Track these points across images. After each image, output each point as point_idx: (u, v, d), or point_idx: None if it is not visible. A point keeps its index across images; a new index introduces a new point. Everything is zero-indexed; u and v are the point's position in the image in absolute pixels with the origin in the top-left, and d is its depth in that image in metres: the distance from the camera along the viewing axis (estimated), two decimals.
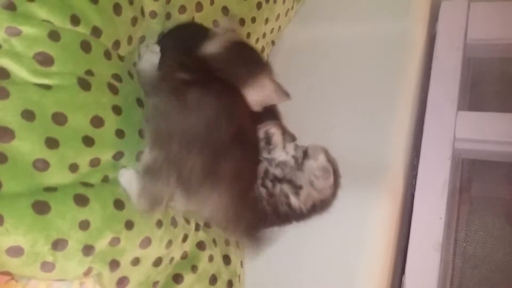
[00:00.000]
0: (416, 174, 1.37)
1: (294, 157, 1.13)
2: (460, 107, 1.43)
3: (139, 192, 0.94)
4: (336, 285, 1.24)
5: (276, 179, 1.11)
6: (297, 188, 1.10)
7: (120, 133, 0.98)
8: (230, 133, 0.92)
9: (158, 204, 0.93)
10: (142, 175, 0.94)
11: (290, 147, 1.15)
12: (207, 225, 1.23)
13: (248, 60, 1.11)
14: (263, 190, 1.10)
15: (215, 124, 0.90)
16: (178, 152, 0.88)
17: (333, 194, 1.14)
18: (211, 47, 1.09)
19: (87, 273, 0.89)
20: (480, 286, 1.32)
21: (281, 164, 1.12)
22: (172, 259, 1.09)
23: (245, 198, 0.99)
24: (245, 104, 1.04)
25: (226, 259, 1.22)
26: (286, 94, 1.13)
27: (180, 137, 0.88)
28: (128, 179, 0.97)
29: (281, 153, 1.13)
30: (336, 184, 1.14)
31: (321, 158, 1.12)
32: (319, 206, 1.13)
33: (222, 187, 0.91)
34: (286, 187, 1.10)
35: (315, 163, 1.11)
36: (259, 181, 1.09)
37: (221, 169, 0.90)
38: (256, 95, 1.08)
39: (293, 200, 1.11)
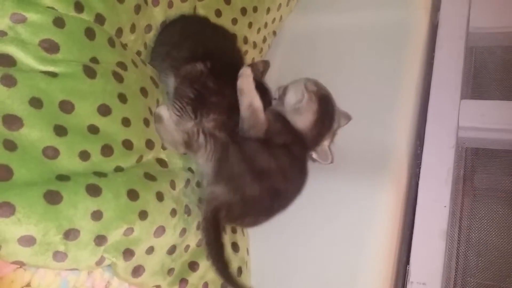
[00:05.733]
0: (420, 163, 1.36)
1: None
2: (463, 96, 1.43)
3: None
4: (341, 274, 1.24)
5: None
6: None
7: (126, 122, 0.98)
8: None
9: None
10: None
11: None
12: None
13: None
14: None
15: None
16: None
17: None
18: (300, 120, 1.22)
19: (99, 262, 0.89)
20: (484, 274, 1.32)
21: None
22: (187, 246, 1.09)
23: None
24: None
25: (235, 247, 1.22)
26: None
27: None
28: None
29: None
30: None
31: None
32: None
33: None
34: None
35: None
36: None
37: None
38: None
39: None
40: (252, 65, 1.29)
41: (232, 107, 1.16)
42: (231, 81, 1.15)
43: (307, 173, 1.20)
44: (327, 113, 1.24)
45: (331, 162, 1.25)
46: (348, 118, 1.31)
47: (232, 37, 1.40)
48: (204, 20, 1.33)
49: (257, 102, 1.16)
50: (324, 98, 1.24)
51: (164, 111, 1.12)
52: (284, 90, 1.28)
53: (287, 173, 1.15)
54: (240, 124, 1.17)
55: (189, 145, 1.12)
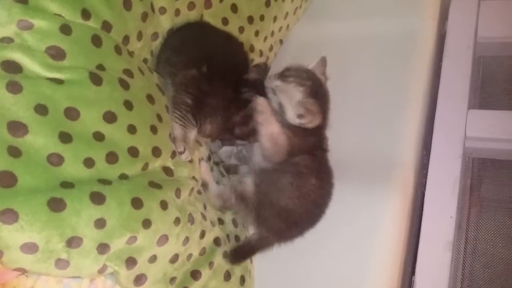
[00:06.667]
0: (426, 173, 1.36)
1: None
2: (471, 106, 1.42)
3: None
4: (345, 283, 1.23)
5: None
6: None
7: (132, 129, 0.97)
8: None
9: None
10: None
11: None
12: (220, 221, 1.24)
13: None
14: None
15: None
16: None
17: None
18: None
19: (102, 271, 0.88)
20: (490, 286, 1.30)
21: None
22: (190, 255, 1.09)
23: None
24: None
25: None
26: None
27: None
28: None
29: None
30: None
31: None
32: None
33: None
34: None
35: None
36: None
37: None
38: None
39: None
40: (256, 66, 1.31)
41: (228, 109, 1.17)
42: (227, 82, 1.16)
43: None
44: (324, 104, 1.19)
45: None
46: (323, 62, 1.25)
47: (238, 42, 1.39)
48: (207, 26, 1.33)
49: (276, 129, 1.14)
50: (317, 93, 1.16)
51: (208, 177, 1.24)
52: (280, 107, 1.17)
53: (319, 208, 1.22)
54: (261, 152, 1.19)
55: (226, 208, 1.24)
